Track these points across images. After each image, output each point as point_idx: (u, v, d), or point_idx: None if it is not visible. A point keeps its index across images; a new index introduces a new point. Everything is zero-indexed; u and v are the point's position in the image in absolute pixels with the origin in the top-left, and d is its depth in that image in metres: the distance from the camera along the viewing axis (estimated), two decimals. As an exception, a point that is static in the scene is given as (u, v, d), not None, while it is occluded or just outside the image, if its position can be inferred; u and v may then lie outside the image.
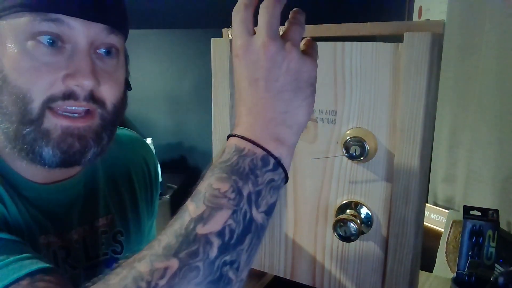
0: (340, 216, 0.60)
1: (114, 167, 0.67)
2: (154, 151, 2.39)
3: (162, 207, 2.35)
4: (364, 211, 0.61)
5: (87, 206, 0.61)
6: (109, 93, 0.53)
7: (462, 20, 1.28)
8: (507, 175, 1.10)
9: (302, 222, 0.68)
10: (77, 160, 0.52)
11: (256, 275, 0.76)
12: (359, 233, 0.59)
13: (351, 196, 0.63)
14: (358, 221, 0.60)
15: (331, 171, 0.63)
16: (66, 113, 0.50)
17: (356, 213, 0.61)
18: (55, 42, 0.49)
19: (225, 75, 0.65)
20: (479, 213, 0.78)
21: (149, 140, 2.27)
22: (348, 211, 0.62)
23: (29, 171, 0.54)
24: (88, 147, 0.52)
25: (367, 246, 0.63)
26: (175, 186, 2.31)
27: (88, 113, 0.52)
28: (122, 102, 0.58)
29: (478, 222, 0.77)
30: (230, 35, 0.67)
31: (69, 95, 0.50)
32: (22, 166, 0.54)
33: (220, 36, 0.67)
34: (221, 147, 0.68)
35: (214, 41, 0.65)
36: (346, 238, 0.59)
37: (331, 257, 0.66)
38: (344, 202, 0.63)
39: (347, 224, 0.58)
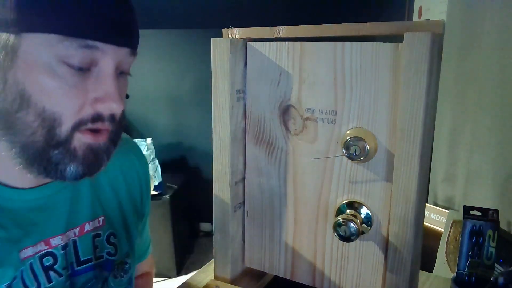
0: (340, 216, 0.60)
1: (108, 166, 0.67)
2: (154, 151, 2.38)
3: (162, 207, 2.37)
4: (364, 211, 0.62)
5: (75, 209, 0.60)
6: (120, 109, 0.54)
7: (462, 20, 1.28)
8: (507, 175, 1.10)
9: (302, 222, 0.68)
10: (92, 174, 0.53)
11: (256, 275, 0.76)
12: (359, 233, 0.59)
13: (351, 196, 0.63)
14: (358, 221, 0.60)
15: (331, 171, 0.63)
16: (91, 130, 0.51)
17: (356, 213, 0.62)
18: (87, 67, 0.49)
19: (225, 75, 0.65)
20: (479, 213, 0.78)
21: (149, 140, 2.27)
22: (348, 211, 0.62)
23: (15, 177, 0.54)
24: (103, 162, 0.54)
25: (367, 246, 0.63)
26: (175, 186, 2.32)
27: (104, 131, 0.53)
28: (124, 113, 0.59)
29: (478, 222, 0.77)
30: (230, 35, 0.67)
31: (97, 118, 0.51)
32: (7, 172, 0.53)
33: (220, 36, 0.67)
34: (221, 146, 0.68)
35: (214, 41, 0.65)
36: (346, 238, 0.59)
37: (331, 257, 0.66)
38: (344, 202, 0.63)
39: (347, 224, 0.59)
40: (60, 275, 0.57)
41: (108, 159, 0.55)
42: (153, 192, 2.18)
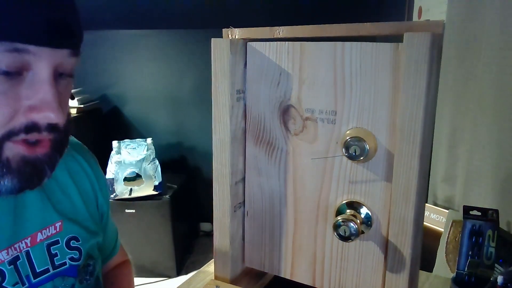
0: (340, 216, 0.60)
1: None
2: (154, 151, 2.38)
3: (162, 207, 2.37)
4: (364, 211, 0.62)
5: (21, 219, 0.55)
6: (63, 116, 0.49)
7: (461, 21, 1.28)
8: (507, 175, 1.10)
9: (302, 222, 0.68)
10: (31, 187, 0.49)
11: (256, 275, 0.76)
12: (359, 233, 0.59)
13: (351, 196, 0.63)
14: (358, 221, 0.60)
15: (331, 171, 0.63)
16: (26, 140, 0.47)
17: (356, 213, 0.62)
18: (16, 71, 0.45)
19: (225, 75, 0.65)
20: (479, 213, 0.78)
21: (149, 140, 2.27)
22: (348, 211, 0.62)
23: None
24: (45, 174, 0.50)
25: (367, 246, 0.63)
26: (175, 186, 2.32)
27: (45, 141, 0.49)
28: (69, 117, 0.54)
29: (477, 222, 0.77)
30: (230, 35, 0.67)
31: (31, 128, 0.46)
32: None
33: (220, 36, 0.67)
34: (221, 146, 0.68)
35: (214, 41, 0.65)
36: (346, 238, 0.59)
37: (331, 257, 0.66)
38: (344, 202, 0.63)
39: (347, 224, 0.59)
40: None
41: (52, 169, 0.51)
42: (153, 192, 2.18)
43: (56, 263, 0.58)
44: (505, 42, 1.09)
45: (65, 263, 0.59)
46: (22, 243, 0.54)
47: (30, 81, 0.46)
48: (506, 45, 1.09)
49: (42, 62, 0.45)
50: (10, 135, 0.45)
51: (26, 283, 0.54)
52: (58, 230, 0.59)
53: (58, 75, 0.48)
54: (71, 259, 0.60)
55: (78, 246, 0.61)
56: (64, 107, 0.49)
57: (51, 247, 0.58)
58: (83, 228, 0.63)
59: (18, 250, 0.54)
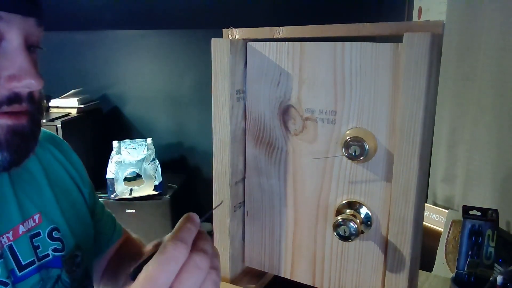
0: (340, 216, 0.60)
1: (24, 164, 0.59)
2: (154, 151, 2.38)
3: (162, 207, 2.37)
4: (363, 211, 0.62)
5: (0, 213, 0.54)
6: (42, 83, 0.49)
7: (461, 21, 1.28)
8: (507, 175, 1.10)
9: (302, 222, 0.68)
10: (20, 161, 0.49)
11: (256, 275, 0.76)
12: (359, 233, 0.59)
13: (351, 196, 0.63)
14: (358, 221, 0.60)
15: (331, 171, 0.63)
16: (10, 111, 0.47)
17: (356, 213, 0.62)
18: None
19: (225, 75, 0.65)
20: (479, 213, 0.78)
21: (149, 140, 2.27)
22: (348, 211, 0.62)
23: None
24: (31, 146, 0.50)
25: (367, 245, 0.63)
26: (175, 186, 2.32)
27: (23, 112, 0.48)
28: (41, 92, 0.54)
29: (477, 222, 0.77)
30: (230, 35, 0.67)
31: (13, 99, 0.46)
32: None
33: (220, 36, 0.67)
34: (221, 146, 0.68)
35: (214, 41, 0.66)
36: (346, 237, 0.59)
37: (331, 257, 0.66)
38: (344, 202, 0.63)
39: (347, 224, 0.59)
40: (5, 284, 0.52)
41: (35, 143, 0.50)
42: (153, 192, 2.18)
43: (39, 255, 0.57)
44: (505, 42, 1.09)
45: (48, 255, 0.58)
46: (3, 237, 0.54)
47: (5, 51, 0.46)
48: (506, 45, 1.09)
49: (14, 30, 0.46)
50: None
51: (12, 277, 0.53)
52: (37, 222, 0.58)
53: (28, 47, 0.49)
54: (54, 250, 0.59)
55: (60, 237, 0.60)
56: (40, 76, 0.49)
57: (33, 239, 0.57)
58: (64, 218, 0.62)
59: (1, 245, 0.53)
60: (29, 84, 0.46)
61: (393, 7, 2.01)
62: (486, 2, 1.17)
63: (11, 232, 0.55)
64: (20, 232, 0.56)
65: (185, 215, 0.43)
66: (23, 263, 0.55)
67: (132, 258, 0.70)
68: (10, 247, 0.54)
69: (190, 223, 0.42)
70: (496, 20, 1.12)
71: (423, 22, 0.54)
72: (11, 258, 0.54)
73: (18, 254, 0.55)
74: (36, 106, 0.50)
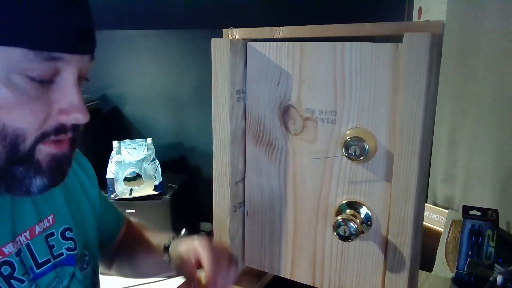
0: (340, 216, 0.60)
1: None
2: (154, 151, 2.38)
3: (162, 207, 2.36)
4: (363, 211, 0.62)
5: (18, 213, 0.57)
6: (88, 117, 0.52)
7: (461, 21, 1.28)
8: (507, 175, 1.10)
9: (302, 222, 0.68)
10: (59, 183, 0.52)
11: (256, 275, 0.76)
12: (359, 233, 0.59)
13: (351, 196, 0.63)
14: (358, 221, 0.60)
15: (331, 171, 0.63)
16: (54, 140, 0.49)
17: (356, 213, 0.62)
18: (50, 78, 0.47)
19: (225, 75, 0.65)
20: (479, 213, 0.78)
21: (149, 140, 2.27)
22: (348, 211, 0.62)
23: None
24: (67, 170, 0.52)
25: (367, 245, 0.63)
26: (175, 186, 2.31)
27: (66, 141, 0.51)
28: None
29: (477, 222, 0.77)
30: (230, 35, 0.67)
31: (60, 130, 0.49)
32: None
33: (220, 36, 0.67)
34: (221, 146, 0.69)
35: (214, 41, 0.66)
36: (346, 237, 0.59)
37: (331, 257, 0.66)
38: (344, 202, 0.63)
39: (347, 224, 0.59)
40: (21, 281, 0.55)
41: (70, 166, 0.53)
42: (153, 192, 2.18)
43: (54, 254, 0.60)
44: (505, 42, 1.09)
45: (62, 253, 0.61)
46: (22, 236, 0.57)
47: (59, 85, 0.48)
48: (506, 45, 1.09)
49: (71, 68, 0.48)
50: (42, 137, 0.48)
51: (31, 273, 0.57)
52: (51, 222, 0.61)
53: (79, 76, 0.51)
54: (68, 249, 0.62)
55: (72, 237, 0.63)
56: (87, 110, 0.53)
57: (48, 239, 0.60)
58: (73, 219, 0.65)
59: (19, 243, 0.56)
60: (77, 118, 0.49)
61: (393, 7, 2.01)
62: (486, 2, 1.17)
63: (28, 232, 0.58)
64: (37, 232, 0.59)
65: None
66: (39, 261, 0.58)
67: (139, 239, 0.77)
68: (28, 246, 0.57)
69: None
70: (496, 20, 1.12)
71: (423, 22, 0.54)
72: (29, 256, 0.57)
73: (35, 253, 0.58)
74: (78, 133, 0.53)
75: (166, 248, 0.69)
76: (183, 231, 0.71)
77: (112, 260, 0.80)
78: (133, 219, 0.85)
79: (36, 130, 0.47)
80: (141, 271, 0.78)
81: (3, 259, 0.53)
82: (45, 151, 0.49)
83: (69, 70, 0.48)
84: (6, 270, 0.53)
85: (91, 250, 0.68)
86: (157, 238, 0.77)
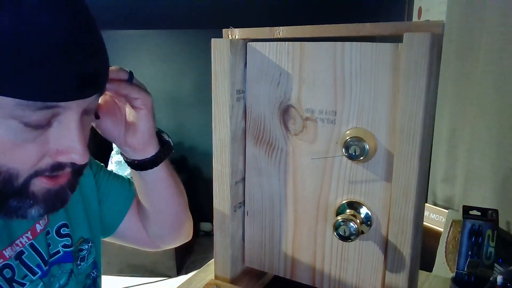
0: (340, 216, 0.60)
1: None
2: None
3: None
4: (363, 211, 0.62)
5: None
6: (88, 157, 0.50)
7: (461, 21, 1.28)
8: (506, 175, 1.10)
9: (302, 222, 0.68)
10: (54, 212, 0.51)
11: (256, 275, 0.76)
12: (359, 233, 0.59)
13: (351, 196, 0.63)
14: (358, 221, 0.60)
15: (331, 171, 0.63)
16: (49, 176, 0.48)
17: (356, 213, 0.62)
18: (45, 124, 0.45)
19: (225, 75, 0.65)
20: (479, 213, 0.78)
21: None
22: (348, 211, 0.62)
23: None
24: (67, 198, 0.51)
25: (367, 245, 0.63)
26: (175, 186, 2.31)
27: (66, 175, 0.50)
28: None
29: (477, 222, 0.77)
30: (230, 35, 0.67)
31: (56, 168, 0.48)
32: None
33: (220, 36, 0.67)
34: (221, 146, 0.69)
35: (214, 41, 0.66)
36: (346, 237, 0.59)
37: (331, 256, 0.66)
38: (344, 202, 0.63)
39: (347, 224, 0.59)
40: (22, 284, 0.54)
41: (73, 191, 0.52)
42: (153, 192, 2.17)
43: (50, 252, 0.59)
44: (505, 42, 1.09)
45: (58, 251, 0.61)
46: (23, 238, 0.56)
47: (57, 128, 0.46)
48: (506, 45, 1.09)
49: (70, 112, 0.46)
50: (36, 174, 0.47)
51: (39, 271, 0.57)
52: (47, 221, 0.60)
53: (84, 114, 0.49)
54: (64, 246, 0.61)
55: (69, 233, 0.62)
56: (86, 148, 0.50)
57: (47, 237, 0.60)
58: (66, 215, 0.63)
59: (21, 245, 0.56)
60: (75, 159, 0.47)
61: (393, 7, 2.01)
62: (486, 2, 1.17)
63: (29, 232, 0.57)
64: (38, 230, 0.58)
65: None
66: (46, 258, 0.58)
67: None
68: (32, 245, 0.57)
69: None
70: (496, 20, 1.12)
71: (423, 22, 0.54)
72: (35, 255, 0.57)
73: (41, 250, 0.58)
74: (83, 165, 0.51)
75: None
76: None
77: (145, 235, 0.75)
78: None
79: (30, 168, 0.46)
80: (171, 200, 0.75)
81: (4, 262, 0.53)
82: (40, 185, 0.48)
83: (67, 114, 0.45)
84: (8, 273, 0.53)
85: (92, 240, 0.66)
86: None
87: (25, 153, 0.45)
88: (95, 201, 0.69)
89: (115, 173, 0.74)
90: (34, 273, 0.56)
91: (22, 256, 0.56)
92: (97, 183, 0.70)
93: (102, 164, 0.74)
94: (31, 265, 0.56)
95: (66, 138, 0.46)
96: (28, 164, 0.46)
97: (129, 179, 0.76)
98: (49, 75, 0.41)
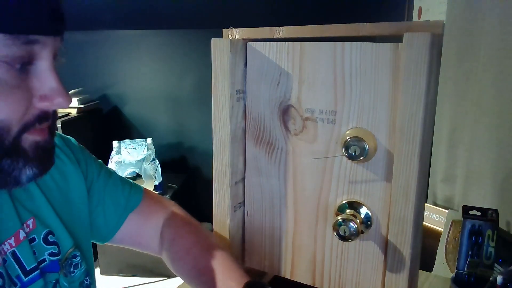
0: (340, 216, 0.60)
1: None
2: (154, 151, 2.37)
3: (162, 207, 2.33)
4: (363, 211, 0.62)
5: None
6: (70, 100, 0.50)
7: (461, 21, 1.28)
8: (506, 175, 1.10)
9: (302, 222, 0.68)
10: (45, 172, 0.51)
11: (256, 275, 0.76)
12: (359, 233, 0.59)
13: (351, 196, 0.63)
14: (358, 221, 0.60)
15: (331, 171, 0.63)
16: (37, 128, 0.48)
17: (356, 213, 0.62)
18: (27, 63, 0.46)
19: (225, 75, 0.65)
20: (479, 213, 0.79)
21: (149, 140, 2.27)
22: (348, 211, 0.62)
23: None
24: (53, 158, 0.51)
25: (367, 245, 0.63)
26: (176, 186, 2.32)
27: (44, 130, 0.50)
28: None
29: (477, 222, 0.77)
30: (230, 35, 0.67)
31: (43, 117, 0.48)
32: None
33: (220, 36, 0.67)
34: (221, 146, 0.68)
35: (214, 41, 0.66)
36: (346, 238, 0.59)
37: (331, 256, 0.66)
38: (344, 202, 0.63)
39: (347, 224, 0.59)
40: None
41: (54, 153, 0.52)
42: (153, 192, 2.18)
43: (37, 260, 0.57)
44: (505, 42, 1.09)
45: (44, 260, 0.58)
46: (5, 244, 0.54)
47: (37, 71, 0.47)
48: (506, 45, 1.09)
49: (47, 51, 0.47)
50: (25, 127, 0.47)
51: (18, 283, 0.53)
52: (31, 227, 0.58)
53: (53, 59, 0.50)
54: (51, 254, 0.58)
55: (55, 240, 0.60)
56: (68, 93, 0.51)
57: (32, 244, 0.57)
58: (59, 219, 0.61)
59: (3, 253, 0.53)
60: (59, 103, 0.48)
61: (393, 7, 2.01)
62: (486, 2, 1.17)
63: (12, 238, 0.55)
64: (21, 238, 0.55)
65: None
66: (27, 269, 0.55)
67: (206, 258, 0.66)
68: (13, 253, 0.54)
69: None
70: (496, 20, 1.12)
71: (423, 22, 0.54)
72: (16, 264, 0.54)
73: (22, 260, 0.55)
74: (55, 120, 0.52)
75: None
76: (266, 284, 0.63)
77: (158, 246, 0.72)
78: (179, 211, 0.78)
79: (19, 120, 0.46)
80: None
81: None
82: (30, 139, 0.48)
83: (45, 53, 0.47)
84: None
85: (84, 248, 0.64)
86: (227, 274, 0.62)
87: (13, 100, 0.45)
88: (85, 206, 0.67)
89: (117, 176, 0.72)
90: (14, 284, 0.53)
91: (5, 265, 0.53)
92: (91, 188, 0.68)
93: (104, 165, 0.72)
94: (12, 275, 0.53)
95: (47, 81, 0.47)
96: (18, 114, 0.46)
97: (131, 183, 0.74)
98: (29, 9, 0.44)
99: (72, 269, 0.61)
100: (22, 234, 0.56)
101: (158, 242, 0.72)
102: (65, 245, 0.61)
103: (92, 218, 0.68)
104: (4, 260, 0.53)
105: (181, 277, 0.68)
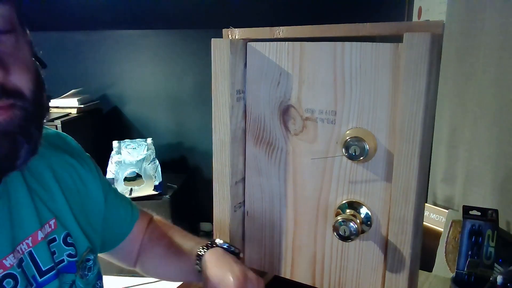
0: (340, 216, 0.60)
1: (34, 167, 0.58)
2: (154, 151, 2.37)
3: (162, 207, 2.36)
4: (363, 211, 0.62)
5: (18, 221, 0.53)
6: (23, 79, 0.46)
7: (461, 21, 1.28)
8: (506, 175, 1.10)
9: (302, 222, 0.68)
10: (11, 163, 0.47)
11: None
12: (359, 233, 0.59)
13: (351, 196, 0.63)
14: (358, 221, 0.60)
15: (331, 171, 0.63)
16: None
17: (356, 213, 0.62)
18: None
19: (225, 75, 0.65)
20: (479, 213, 0.79)
21: (149, 140, 2.27)
22: (348, 211, 0.62)
23: None
24: (19, 145, 0.46)
25: (367, 245, 0.63)
26: (175, 186, 2.32)
27: (4, 108, 0.45)
28: (40, 85, 0.50)
29: (477, 222, 0.77)
30: (230, 35, 0.67)
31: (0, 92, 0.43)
32: None
33: (220, 36, 0.67)
34: (221, 146, 0.69)
35: (214, 41, 0.66)
36: (346, 237, 0.59)
37: (331, 256, 0.66)
38: (344, 202, 0.63)
39: (347, 224, 0.59)
40: None
41: (30, 143, 0.47)
42: (153, 192, 2.18)
43: (56, 261, 0.57)
44: (505, 42, 1.09)
45: (63, 260, 0.58)
46: (23, 244, 0.54)
47: None
48: (506, 45, 1.09)
49: None
50: None
51: (34, 283, 0.53)
52: (53, 227, 0.58)
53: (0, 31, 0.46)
54: (69, 255, 0.59)
55: (73, 242, 0.60)
56: (20, 66, 0.46)
57: (50, 245, 0.57)
58: (76, 222, 0.61)
59: (21, 252, 0.53)
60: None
61: (393, 7, 2.01)
62: (486, 2, 1.17)
63: (30, 239, 0.55)
64: (39, 238, 0.55)
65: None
66: (43, 269, 0.55)
67: (165, 241, 0.76)
68: (30, 254, 0.54)
69: None
70: (496, 20, 1.12)
71: (423, 22, 0.54)
72: (32, 265, 0.54)
73: (38, 260, 0.55)
74: (29, 104, 0.47)
75: (199, 257, 0.65)
76: (219, 240, 0.68)
77: (135, 258, 0.77)
78: (156, 217, 0.82)
79: None
80: (167, 275, 0.76)
81: (4, 272, 0.50)
82: None
83: None
84: (9, 283, 0.50)
85: (96, 252, 0.65)
86: (189, 243, 0.72)
87: None
88: (100, 213, 0.69)
89: (118, 193, 0.76)
90: (30, 284, 0.53)
91: (22, 264, 0.53)
92: (106, 200, 0.70)
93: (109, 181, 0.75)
94: (28, 275, 0.53)
95: None
96: None
97: (130, 201, 0.78)
98: None
99: (86, 272, 0.62)
100: (40, 235, 0.55)
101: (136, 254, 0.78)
102: (81, 248, 0.61)
103: (105, 226, 0.70)
104: (22, 260, 0.53)
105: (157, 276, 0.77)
